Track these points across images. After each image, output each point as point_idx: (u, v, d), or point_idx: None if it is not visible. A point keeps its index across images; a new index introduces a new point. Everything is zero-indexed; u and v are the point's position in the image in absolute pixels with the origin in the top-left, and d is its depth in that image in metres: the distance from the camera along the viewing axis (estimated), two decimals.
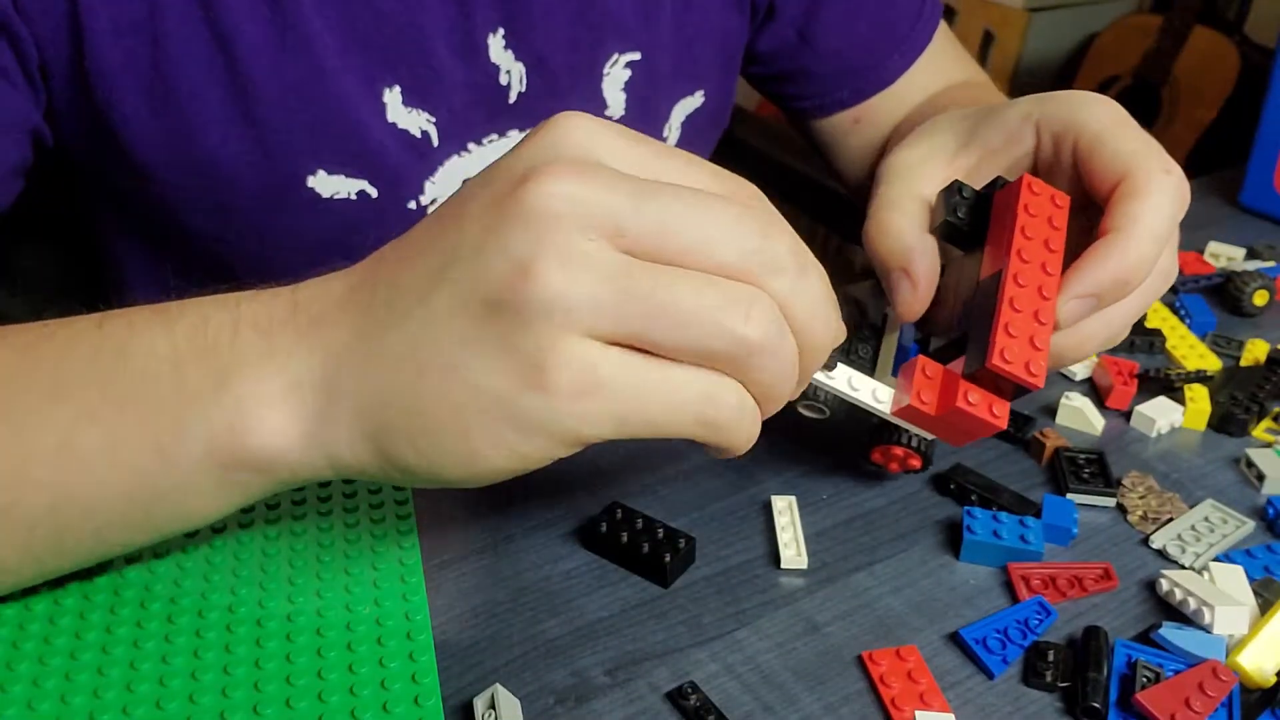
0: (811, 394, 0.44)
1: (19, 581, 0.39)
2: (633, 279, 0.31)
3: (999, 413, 0.41)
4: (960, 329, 0.44)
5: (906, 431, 0.46)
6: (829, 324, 0.34)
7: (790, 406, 0.37)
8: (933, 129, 0.50)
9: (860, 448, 0.48)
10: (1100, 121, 0.45)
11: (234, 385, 0.35)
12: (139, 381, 0.35)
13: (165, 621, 0.40)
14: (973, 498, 0.48)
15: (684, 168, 0.33)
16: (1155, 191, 0.43)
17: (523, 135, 0.34)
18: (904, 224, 0.45)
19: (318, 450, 0.35)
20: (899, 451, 0.47)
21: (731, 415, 0.33)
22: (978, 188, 0.45)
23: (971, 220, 0.45)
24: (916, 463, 0.47)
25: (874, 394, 0.43)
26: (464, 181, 0.36)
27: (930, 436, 0.46)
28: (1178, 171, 0.44)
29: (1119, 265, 0.42)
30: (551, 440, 0.32)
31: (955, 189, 0.45)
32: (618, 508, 0.45)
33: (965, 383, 0.41)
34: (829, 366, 0.42)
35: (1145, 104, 1.88)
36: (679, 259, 0.31)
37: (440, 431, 0.33)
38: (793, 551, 0.45)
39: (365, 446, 0.34)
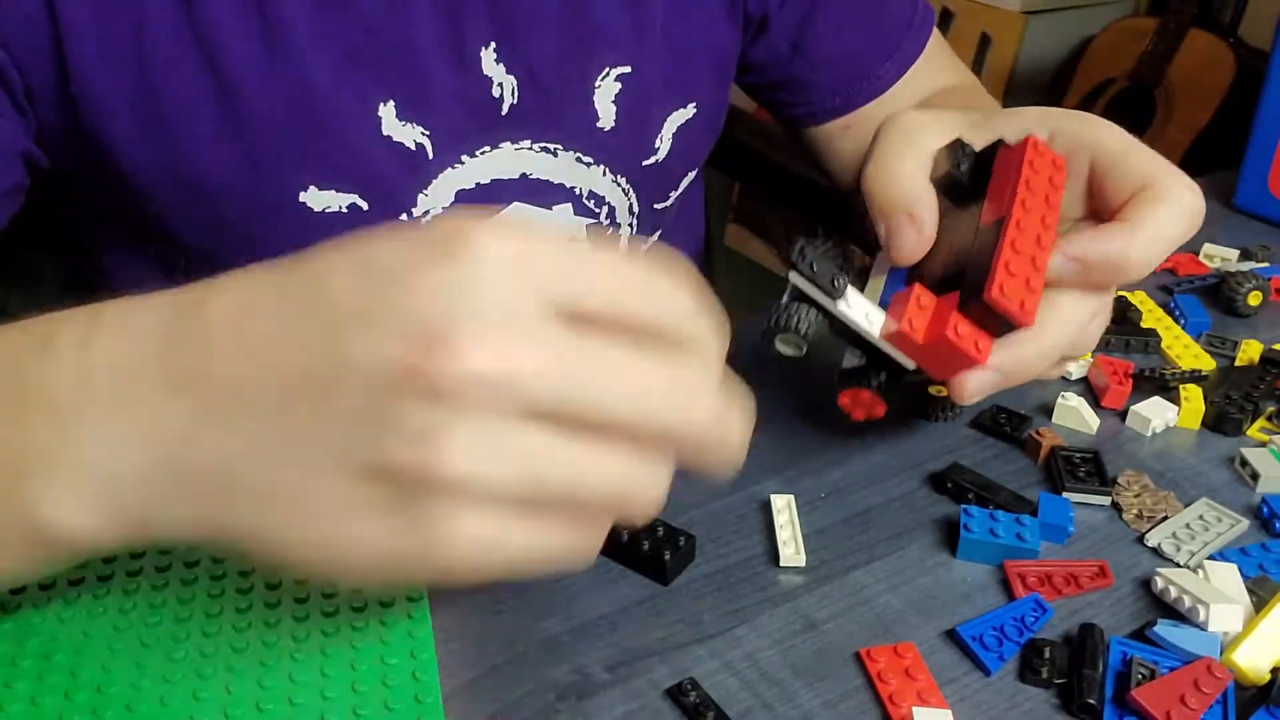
0: (787, 325, 0.43)
1: None
2: (544, 457, 0.28)
3: (982, 348, 0.42)
4: (953, 270, 0.44)
5: (876, 376, 0.46)
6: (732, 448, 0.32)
7: (769, 341, 0.40)
8: (941, 109, 0.50)
9: (862, 449, 0.48)
10: (1120, 143, 0.46)
11: (20, 492, 0.30)
12: None
13: (174, 621, 0.40)
14: (969, 496, 0.48)
15: (614, 291, 0.29)
16: (1176, 200, 0.44)
17: (432, 218, 0.31)
18: (909, 169, 0.45)
19: (138, 535, 0.31)
20: (865, 396, 0.47)
21: (592, 558, 0.31)
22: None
23: (972, 176, 0.45)
24: (881, 410, 0.47)
25: (867, 315, 0.43)
26: (323, 262, 0.29)
27: (908, 371, 0.45)
28: (1199, 195, 0.45)
29: (1121, 247, 0.43)
30: (436, 585, 0.31)
31: (958, 145, 0.45)
32: None
33: (956, 314, 0.41)
34: (838, 294, 0.42)
35: (1140, 107, 1.88)
36: (593, 426, 0.28)
37: (297, 558, 0.29)
38: (791, 549, 0.45)
39: (194, 537, 0.31)
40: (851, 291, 0.43)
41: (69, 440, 0.30)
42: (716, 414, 0.30)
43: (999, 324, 0.42)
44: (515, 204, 0.62)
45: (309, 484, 0.28)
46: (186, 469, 0.29)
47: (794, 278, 0.42)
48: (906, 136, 0.47)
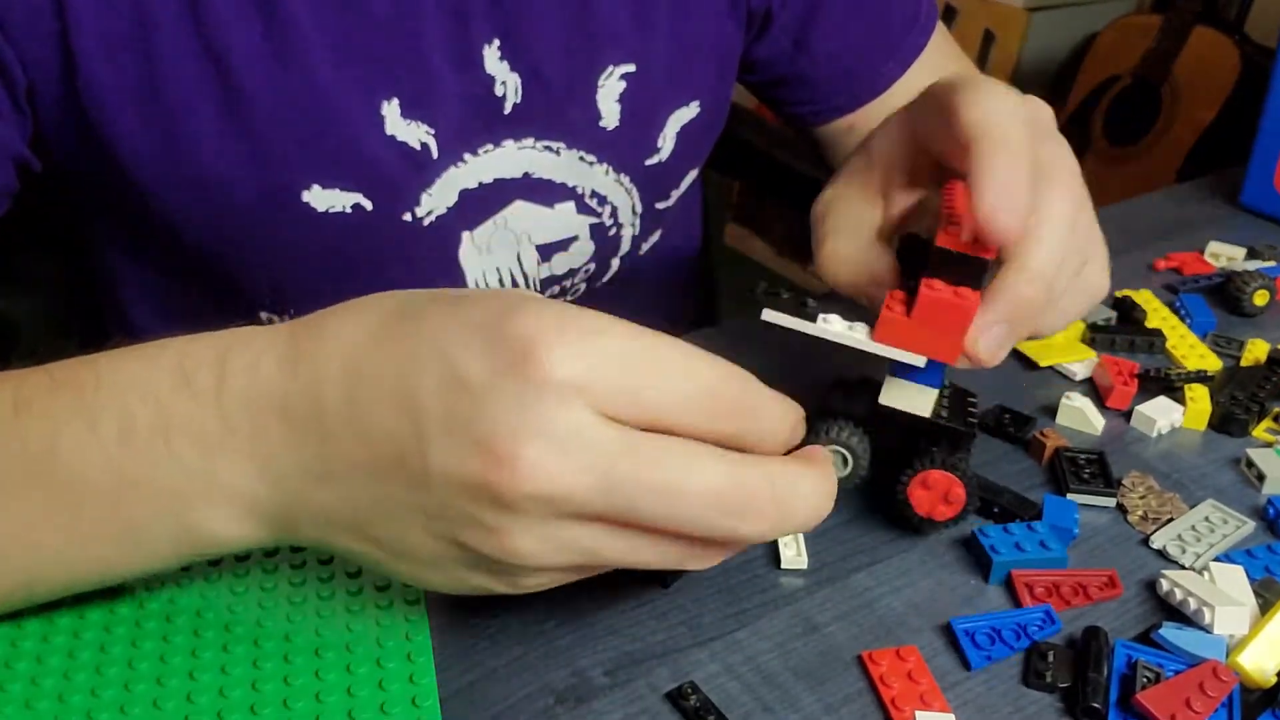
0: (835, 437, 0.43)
1: None
2: (600, 548, 0.33)
3: (964, 294, 0.41)
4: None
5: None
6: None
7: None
8: (848, 162, 0.50)
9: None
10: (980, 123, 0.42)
11: (185, 514, 0.35)
12: (84, 488, 0.35)
13: (164, 620, 0.39)
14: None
15: (675, 381, 0.33)
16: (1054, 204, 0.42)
17: (485, 302, 0.33)
18: (853, 246, 0.45)
19: (287, 540, 0.37)
20: (936, 476, 0.45)
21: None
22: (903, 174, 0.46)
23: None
24: (960, 495, 0.45)
25: (849, 328, 0.42)
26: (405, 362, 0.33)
27: (914, 366, 0.43)
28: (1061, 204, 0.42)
29: (1023, 285, 0.41)
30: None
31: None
32: None
33: (926, 280, 0.41)
34: (812, 316, 0.42)
35: (1145, 104, 1.88)
36: (648, 529, 0.33)
37: (409, 577, 0.36)
38: (793, 551, 0.45)
39: (326, 549, 0.38)
40: (824, 315, 0.42)
41: (215, 470, 0.34)
42: (771, 524, 0.33)
43: (969, 270, 0.40)
44: (517, 203, 0.62)
45: (405, 537, 0.34)
46: (307, 508, 0.35)
47: (767, 314, 0.42)
48: (836, 212, 0.47)
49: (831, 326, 0.42)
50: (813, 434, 0.42)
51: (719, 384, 0.33)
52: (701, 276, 0.85)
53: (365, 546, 0.35)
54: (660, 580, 0.43)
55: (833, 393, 0.46)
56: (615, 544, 0.33)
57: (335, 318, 0.35)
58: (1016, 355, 0.60)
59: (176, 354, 0.35)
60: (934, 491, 0.44)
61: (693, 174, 0.69)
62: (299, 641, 0.39)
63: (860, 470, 0.43)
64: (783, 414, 0.36)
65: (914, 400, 0.44)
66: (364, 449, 0.33)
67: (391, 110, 0.55)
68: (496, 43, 0.57)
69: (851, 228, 0.46)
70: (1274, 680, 0.39)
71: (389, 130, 0.55)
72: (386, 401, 0.32)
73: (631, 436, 0.32)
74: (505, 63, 0.57)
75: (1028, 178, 0.39)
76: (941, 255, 0.40)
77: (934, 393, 0.45)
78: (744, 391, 0.34)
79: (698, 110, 0.65)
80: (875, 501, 0.48)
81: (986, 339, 0.41)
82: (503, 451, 0.31)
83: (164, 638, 0.39)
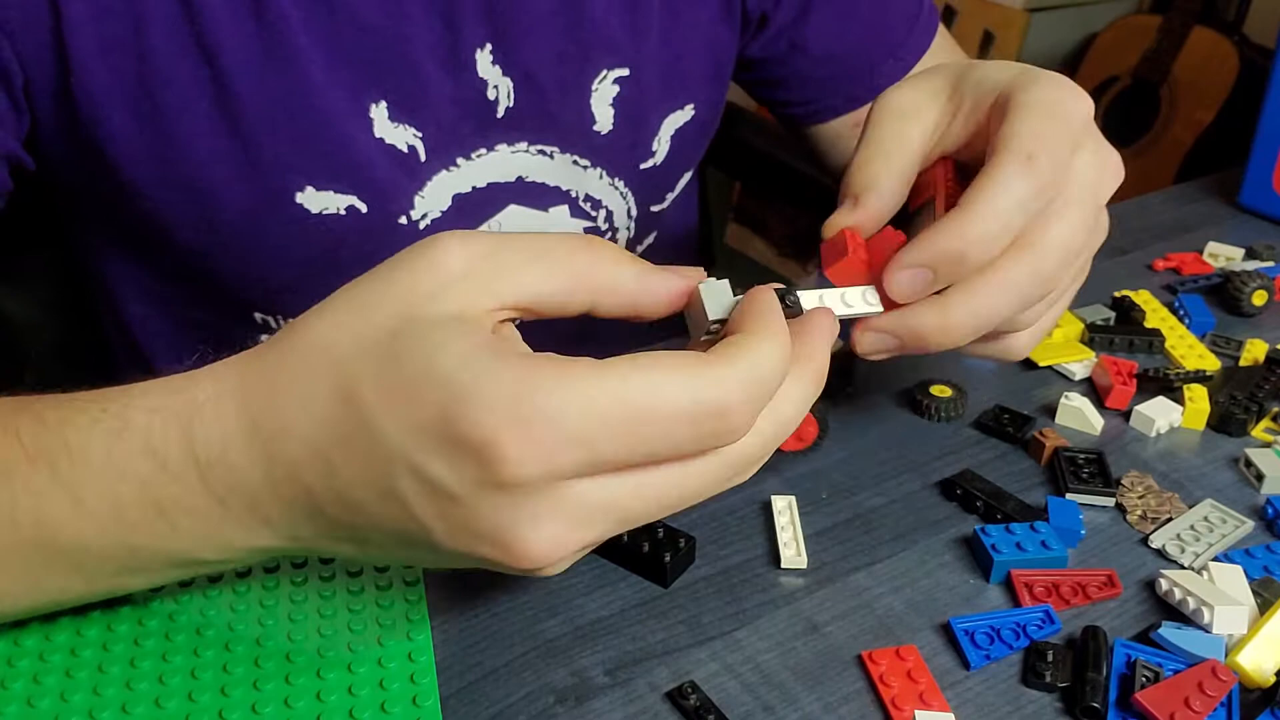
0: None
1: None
2: (609, 508, 0.32)
3: (899, 233, 0.41)
4: None
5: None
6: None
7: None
8: (928, 74, 0.47)
9: (864, 450, 0.48)
10: (1028, 104, 0.41)
11: (192, 562, 0.36)
12: (82, 555, 0.35)
13: (167, 619, 0.40)
14: (978, 504, 0.48)
15: (647, 435, 0.31)
16: (1009, 176, 0.39)
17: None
18: (880, 171, 0.43)
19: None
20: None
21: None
22: (952, 142, 0.45)
23: None
24: (812, 432, 0.46)
25: (820, 297, 0.41)
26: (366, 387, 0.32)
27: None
28: (1045, 163, 0.40)
29: (949, 240, 0.39)
30: None
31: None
32: None
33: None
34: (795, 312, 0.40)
35: (1144, 104, 1.88)
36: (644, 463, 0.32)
37: (419, 565, 0.38)
38: (792, 551, 0.45)
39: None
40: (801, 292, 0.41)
41: (224, 534, 0.35)
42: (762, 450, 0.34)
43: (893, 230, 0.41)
44: (511, 206, 0.62)
45: (422, 559, 0.35)
46: (322, 548, 0.35)
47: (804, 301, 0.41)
48: (889, 127, 0.44)
49: (853, 309, 0.41)
50: None
51: (698, 408, 0.31)
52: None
53: (371, 552, 0.35)
54: (660, 580, 0.43)
55: None
56: (627, 504, 0.32)
57: (283, 394, 0.33)
58: None
59: (141, 433, 0.34)
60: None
61: (687, 176, 0.69)
62: (301, 641, 0.39)
63: None
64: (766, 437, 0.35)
65: None
66: (367, 520, 0.33)
67: (379, 113, 0.55)
68: (489, 46, 0.57)
69: (893, 153, 0.44)
70: (1273, 680, 0.39)
71: (377, 133, 0.55)
72: (374, 500, 0.32)
73: (626, 480, 0.31)
74: (498, 67, 0.57)
75: (1009, 225, 0.39)
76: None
77: None
78: (728, 407, 0.32)
79: (692, 113, 0.65)
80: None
81: (900, 276, 0.40)
82: (512, 543, 0.31)
83: (166, 635, 0.39)
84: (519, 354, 0.31)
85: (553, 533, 0.31)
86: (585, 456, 0.30)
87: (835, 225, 0.43)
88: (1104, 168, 0.43)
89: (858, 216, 0.42)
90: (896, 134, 0.44)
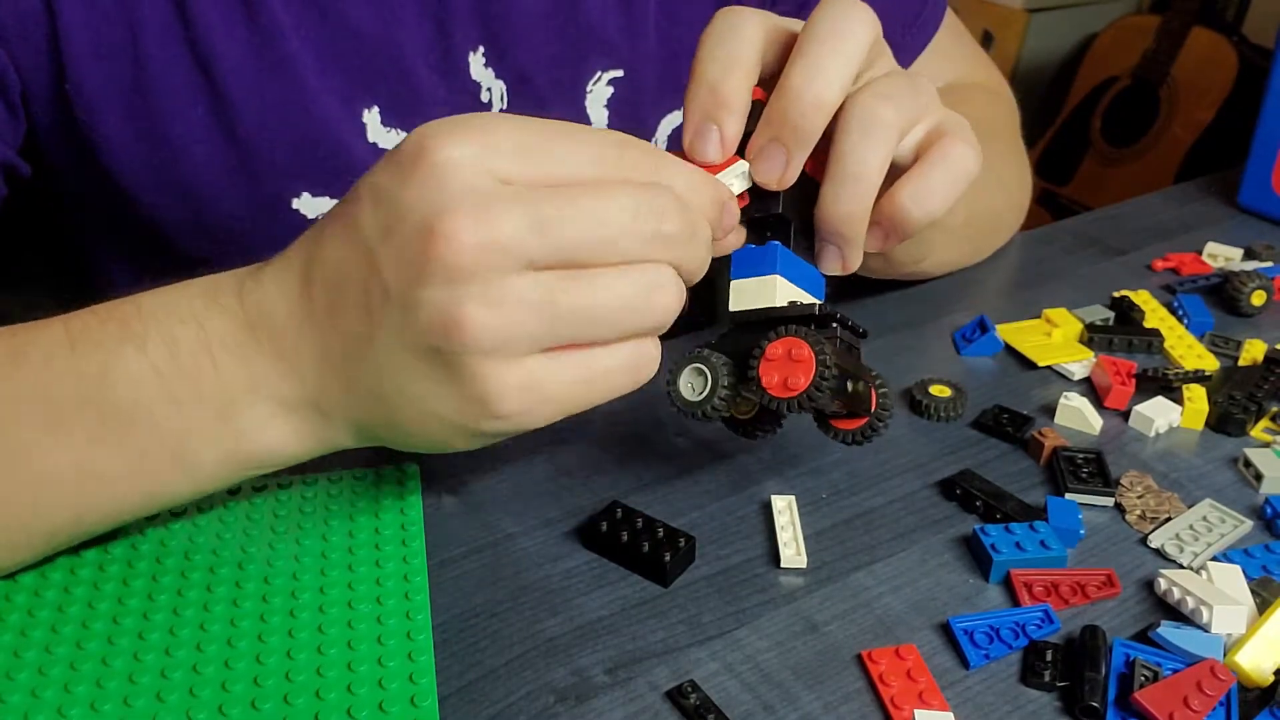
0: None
1: (26, 561, 0.41)
2: (554, 298, 0.34)
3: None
4: None
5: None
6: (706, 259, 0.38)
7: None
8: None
9: (864, 450, 0.48)
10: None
11: (232, 418, 0.38)
12: (135, 409, 0.37)
13: (171, 614, 0.40)
14: (977, 504, 0.48)
15: (572, 146, 0.35)
16: (829, 18, 0.41)
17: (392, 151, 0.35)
18: (722, 82, 0.41)
19: (322, 447, 0.40)
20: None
21: (654, 365, 0.38)
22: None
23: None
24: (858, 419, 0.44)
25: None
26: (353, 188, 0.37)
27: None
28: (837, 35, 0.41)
29: (781, 101, 0.40)
30: (514, 431, 0.37)
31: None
32: (618, 507, 0.46)
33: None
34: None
35: (1143, 105, 1.88)
36: (588, 263, 0.34)
37: (418, 436, 0.38)
38: (792, 551, 0.45)
39: (360, 439, 0.40)
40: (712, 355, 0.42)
41: (252, 373, 0.37)
42: (693, 217, 0.36)
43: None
44: None
45: (397, 375, 0.36)
46: (329, 392, 0.38)
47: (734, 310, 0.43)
48: (721, 39, 0.43)
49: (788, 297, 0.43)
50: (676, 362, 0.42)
51: (614, 145, 0.36)
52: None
53: (378, 410, 0.37)
54: (660, 580, 0.43)
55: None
56: (567, 285, 0.34)
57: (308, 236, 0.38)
58: (1015, 355, 0.60)
59: (206, 281, 0.39)
60: (780, 361, 0.40)
61: None
62: (302, 638, 0.39)
63: (721, 389, 0.41)
64: (692, 182, 0.38)
65: (761, 294, 0.43)
66: (342, 301, 0.36)
67: (372, 118, 0.55)
68: (482, 49, 0.57)
69: (727, 61, 0.42)
70: (1271, 679, 0.39)
71: (371, 138, 0.55)
72: (343, 250, 0.36)
73: (544, 188, 0.34)
74: (490, 69, 0.57)
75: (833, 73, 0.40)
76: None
77: (778, 280, 0.42)
78: (643, 152, 0.36)
79: None
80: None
81: (760, 156, 0.41)
82: (433, 226, 0.33)
83: (170, 630, 0.39)
84: None
85: (475, 211, 0.32)
86: (514, 152, 0.34)
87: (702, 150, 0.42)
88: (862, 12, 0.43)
89: (727, 145, 0.41)
90: (733, 52, 0.42)
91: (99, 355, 0.37)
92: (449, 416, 0.36)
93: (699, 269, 0.38)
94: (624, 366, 0.37)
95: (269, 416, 0.38)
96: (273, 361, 0.37)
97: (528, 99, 0.58)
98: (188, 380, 0.37)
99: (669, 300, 0.36)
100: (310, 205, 0.55)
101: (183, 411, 0.37)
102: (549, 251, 0.33)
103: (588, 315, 0.35)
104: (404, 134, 0.56)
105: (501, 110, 0.58)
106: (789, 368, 0.40)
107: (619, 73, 0.61)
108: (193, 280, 0.39)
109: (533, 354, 0.35)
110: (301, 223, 0.55)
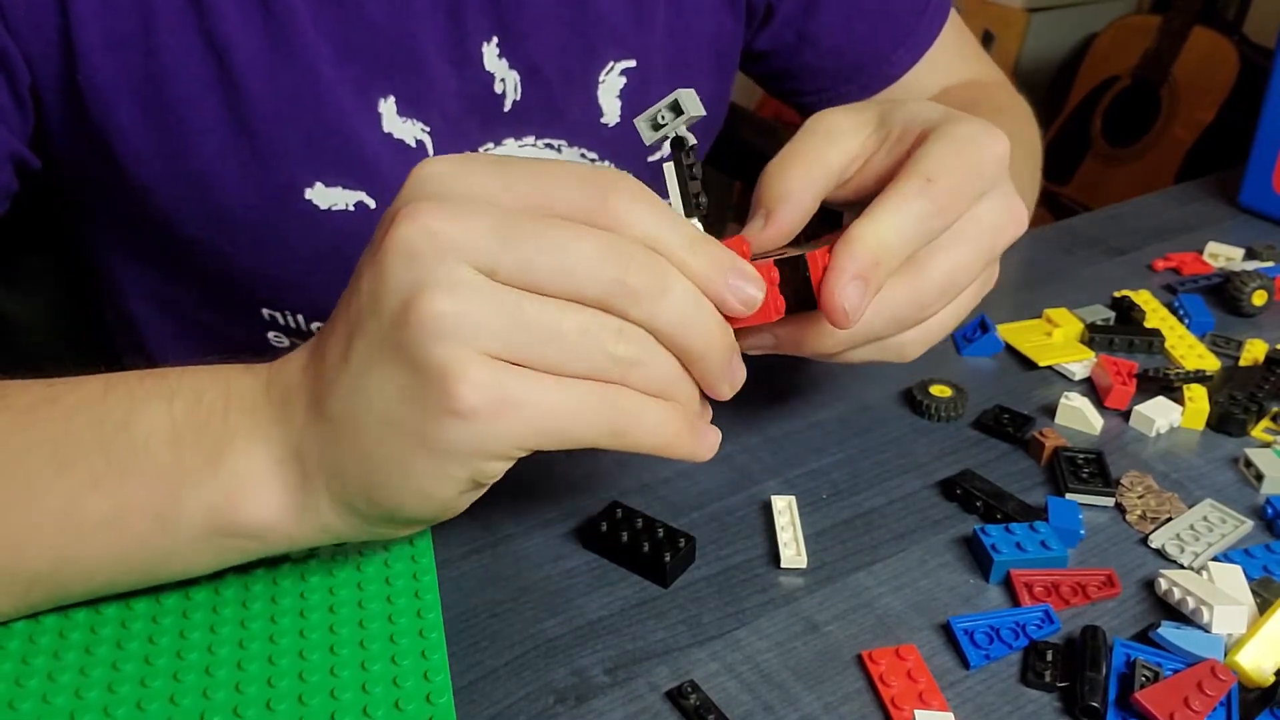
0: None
1: (10, 612, 0.39)
2: (515, 303, 0.32)
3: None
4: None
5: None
6: (703, 331, 0.34)
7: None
8: (862, 104, 0.46)
9: (864, 450, 0.48)
10: (934, 112, 0.43)
11: (225, 461, 0.36)
12: (140, 454, 0.37)
13: (180, 616, 0.40)
14: (978, 504, 0.48)
15: (548, 182, 0.34)
16: (906, 193, 0.39)
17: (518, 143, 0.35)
18: (797, 185, 0.42)
19: (309, 521, 0.37)
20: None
21: (638, 421, 0.34)
22: (873, 172, 0.43)
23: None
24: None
25: None
26: None
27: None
28: (943, 186, 0.39)
29: (864, 246, 0.38)
30: (486, 460, 0.33)
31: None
32: (618, 507, 0.46)
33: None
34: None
35: (1144, 104, 1.88)
36: (546, 290, 0.32)
37: (389, 480, 0.34)
38: (792, 551, 0.45)
39: (343, 510, 0.36)
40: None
41: (257, 420, 0.37)
42: (664, 274, 0.34)
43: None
44: None
45: (365, 385, 0.34)
46: (318, 460, 0.36)
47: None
48: (815, 142, 0.43)
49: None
50: None
51: (568, 173, 0.34)
52: None
53: (349, 448, 0.35)
54: (660, 580, 0.43)
55: None
56: (531, 298, 0.32)
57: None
58: (1015, 355, 0.60)
59: (244, 363, 0.39)
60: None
61: None
62: (314, 638, 0.39)
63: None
64: (688, 241, 0.35)
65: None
66: (330, 331, 0.35)
67: (388, 108, 0.55)
68: (495, 40, 0.57)
69: (812, 167, 0.43)
70: (1272, 679, 0.39)
71: (386, 128, 0.56)
72: (341, 299, 0.35)
73: (512, 213, 0.33)
74: (504, 60, 0.57)
75: (904, 238, 0.39)
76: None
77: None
78: (617, 181, 0.34)
79: None
80: None
81: (849, 290, 0.38)
82: (399, 210, 0.32)
83: (180, 633, 0.39)
84: None
85: (440, 207, 0.32)
86: (494, 187, 0.33)
87: (754, 238, 0.42)
88: (1008, 215, 0.43)
89: (769, 232, 0.42)
90: (818, 153, 0.43)
91: (127, 404, 0.38)
92: (414, 426, 0.33)
93: (690, 335, 0.34)
94: (598, 405, 0.33)
95: (257, 469, 0.36)
96: (276, 409, 0.37)
97: (541, 90, 0.59)
98: (197, 426, 0.37)
99: (627, 349, 0.33)
100: (323, 196, 0.55)
101: (180, 454, 0.36)
102: (510, 263, 0.32)
103: (553, 329, 0.32)
104: (420, 124, 0.57)
105: (516, 102, 0.58)
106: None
107: (631, 63, 0.61)
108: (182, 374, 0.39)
109: (499, 356, 0.32)
110: (314, 213, 0.55)
